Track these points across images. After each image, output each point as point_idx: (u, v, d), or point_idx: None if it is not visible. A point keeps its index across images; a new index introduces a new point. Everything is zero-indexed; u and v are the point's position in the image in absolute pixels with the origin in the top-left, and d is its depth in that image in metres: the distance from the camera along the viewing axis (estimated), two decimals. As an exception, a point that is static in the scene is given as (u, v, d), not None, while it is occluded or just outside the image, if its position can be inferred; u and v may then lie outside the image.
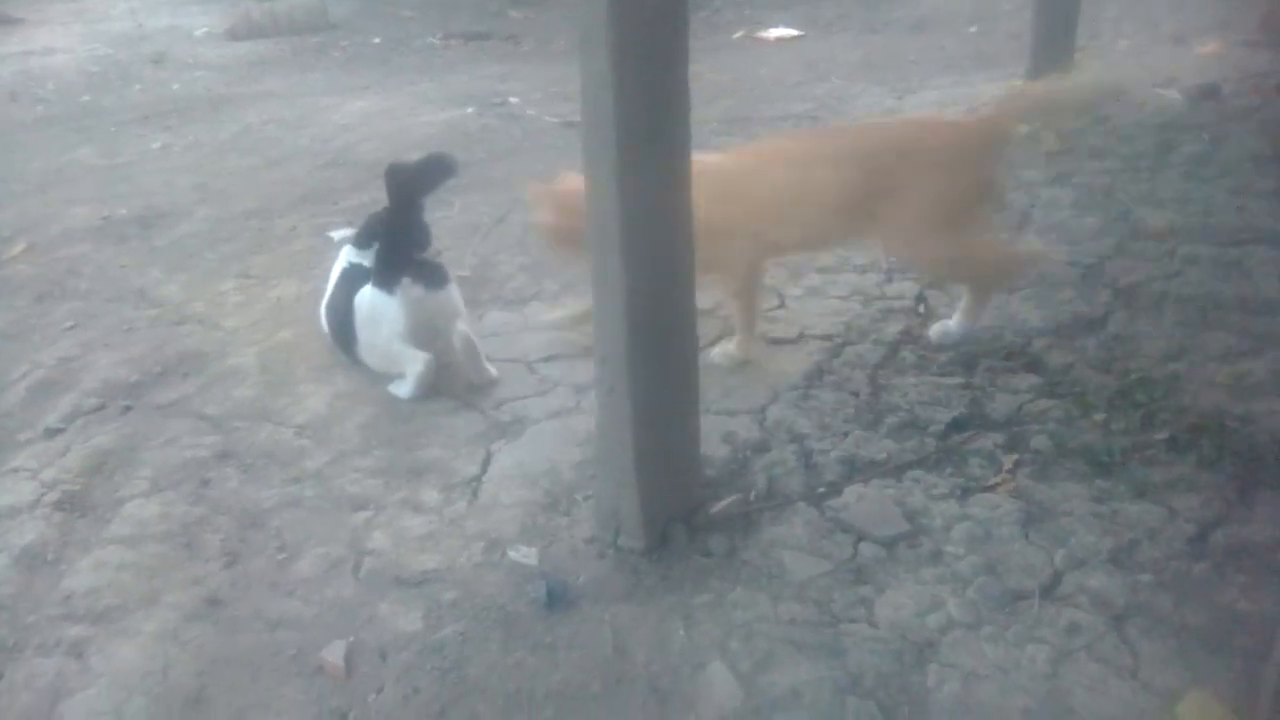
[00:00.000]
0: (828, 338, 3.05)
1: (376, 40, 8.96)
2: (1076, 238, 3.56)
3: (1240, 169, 4.01)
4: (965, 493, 2.30)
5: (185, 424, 2.88)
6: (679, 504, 2.26)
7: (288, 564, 2.29)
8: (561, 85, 6.30)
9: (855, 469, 2.41)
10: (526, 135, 5.50)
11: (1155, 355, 2.77)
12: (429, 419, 2.82)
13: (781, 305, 3.29)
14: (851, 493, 2.33)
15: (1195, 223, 3.57)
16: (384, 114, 6.12)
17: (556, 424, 2.75)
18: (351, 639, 2.05)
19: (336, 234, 4.15)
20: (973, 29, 7.29)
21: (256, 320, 3.50)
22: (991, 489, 2.31)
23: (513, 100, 6.20)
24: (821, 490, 2.35)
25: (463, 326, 2.93)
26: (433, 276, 2.89)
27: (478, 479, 2.53)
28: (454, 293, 2.95)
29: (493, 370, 2.97)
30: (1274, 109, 4.75)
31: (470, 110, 6.05)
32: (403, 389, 2.91)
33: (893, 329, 3.06)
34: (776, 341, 3.06)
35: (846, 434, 2.55)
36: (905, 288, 3.31)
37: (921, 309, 3.18)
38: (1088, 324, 2.99)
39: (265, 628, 2.11)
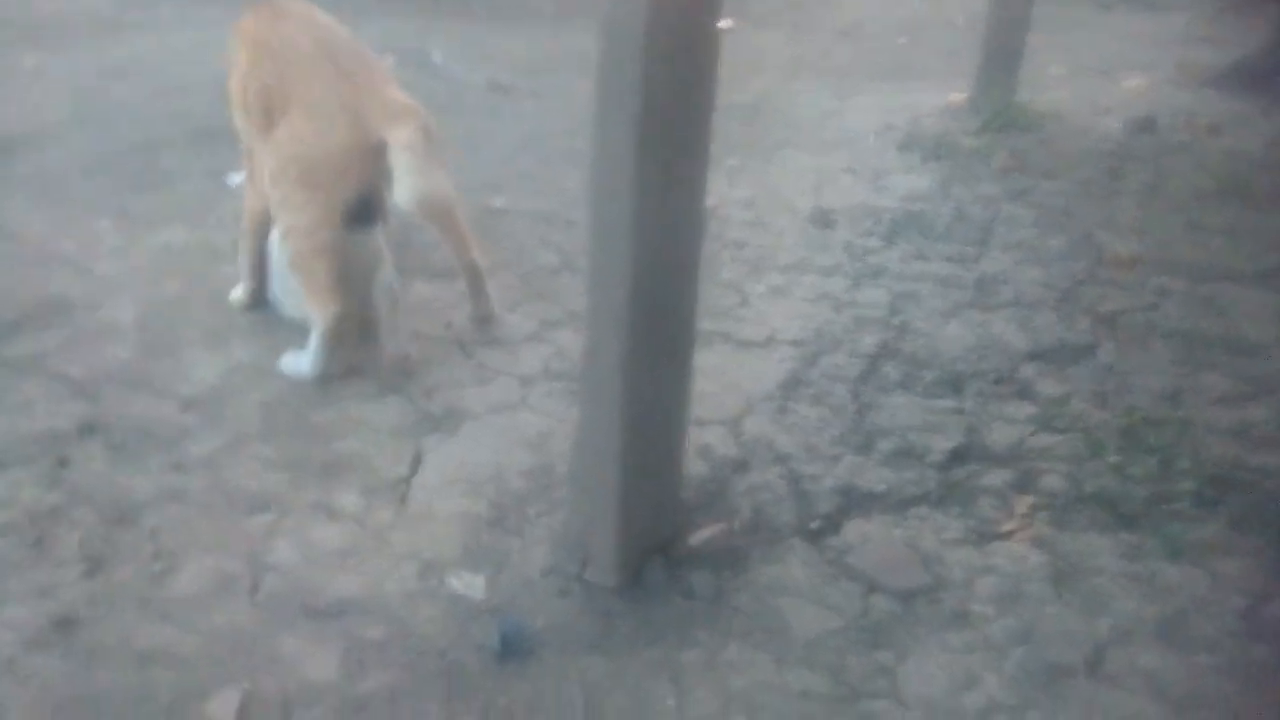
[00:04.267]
0: (799, 343, 2.66)
1: (283, -17, 8.16)
2: (1044, 258, 3.27)
3: (1189, 204, 3.81)
4: (981, 538, 1.94)
5: (41, 386, 2.30)
6: (657, 532, 1.83)
7: (165, 577, 1.76)
8: (484, 45, 5.76)
9: (852, 501, 2.02)
10: (452, 95, 4.94)
11: (1153, 393, 2.47)
12: (345, 404, 2.31)
13: (745, 303, 2.88)
14: (853, 530, 1.94)
15: (1159, 254, 3.32)
16: (291, 58, 5.43)
17: (500, 420, 2.28)
18: (246, 686, 1.55)
19: (235, 178, 3.55)
20: (901, 40, 7.03)
21: (136, 268, 2.90)
22: (1008, 535, 1.96)
23: (436, 56, 5.61)
24: (816, 524, 1.95)
25: (387, 277, 2.43)
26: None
27: (406, 481, 2.05)
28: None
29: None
30: (1207, 147, 4.61)
31: (389, 62, 5.44)
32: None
33: (869, 340, 2.69)
34: (744, 344, 2.65)
35: (837, 458, 2.16)
36: (876, 294, 2.95)
37: (896, 320, 2.82)
38: (1074, 352, 2.68)
39: (133, 662, 1.59)
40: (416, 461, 2.11)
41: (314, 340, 2.37)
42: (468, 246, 2.59)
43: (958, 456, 2.19)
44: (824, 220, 3.45)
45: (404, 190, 2.19)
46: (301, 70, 2.32)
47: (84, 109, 4.33)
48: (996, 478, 2.13)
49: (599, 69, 1.52)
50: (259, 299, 2.66)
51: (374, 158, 2.24)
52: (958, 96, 4.94)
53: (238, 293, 2.70)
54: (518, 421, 2.27)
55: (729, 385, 2.42)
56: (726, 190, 3.75)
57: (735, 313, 2.82)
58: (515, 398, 2.36)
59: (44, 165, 3.67)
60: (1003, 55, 4.92)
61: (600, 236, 1.60)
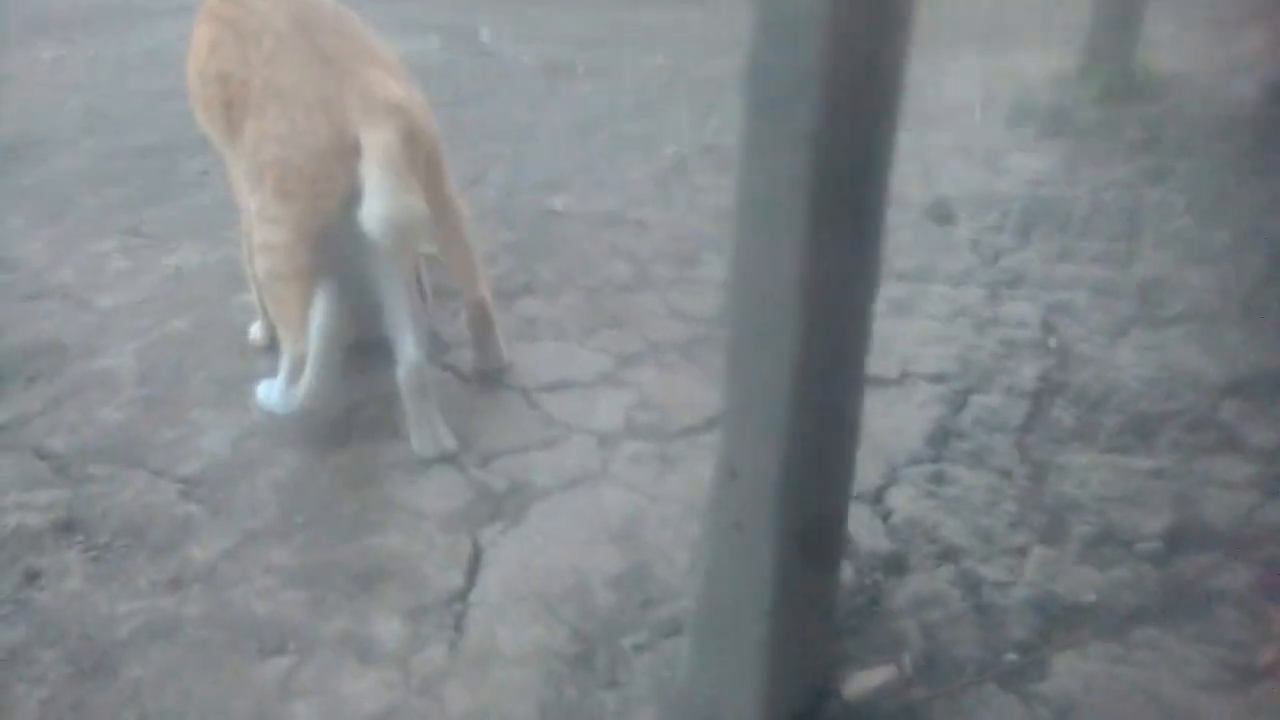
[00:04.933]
0: (940, 379, 2.13)
1: (319, -39, 7.70)
2: (1210, 256, 2.69)
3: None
4: (1237, 676, 1.41)
5: (16, 465, 1.86)
6: (806, 683, 1.33)
7: (146, 760, 1.30)
8: (536, 20, 5.25)
9: (1054, 620, 1.51)
10: (502, 76, 4.43)
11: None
12: (381, 479, 1.83)
13: (862, 326, 2.35)
14: (1064, 669, 1.42)
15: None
16: (326, 41, 4.96)
17: (576, 499, 1.78)
18: None
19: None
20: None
21: (142, 301, 2.45)
22: (1272, 671, 1.43)
23: (484, 34, 5.11)
24: (1012, 658, 1.44)
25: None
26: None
27: (462, 597, 1.56)
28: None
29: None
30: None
31: (433, 42, 4.94)
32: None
33: (1026, 371, 2.15)
34: (872, 381, 2.12)
35: (1022, 551, 1.64)
36: (1022, 309, 2.41)
37: (1053, 343, 2.28)
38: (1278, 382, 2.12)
39: None
40: (474, 564, 1.63)
41: (282, 373, 1.91)
42: (473, 280, 2.05)
43: (1174, 541, 1.66)
44: (943, 214, 2.90)
45: (366, 214, 1.68)
46: (271, 54, 1.82)
47: (99, 106, 3.90)
48: (1233, 575, 1.59)
49: (750, 113, 1.03)
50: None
51: (354, 157, 1.75)
52: (1064, 61, 4.33)
53: (256, 331, 2.24)
54: (599, 500, 1.77)
55: (863, 441, 1.90)
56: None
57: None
58: (594, 464, 1.87)
59: (51, 174, 3.24)
60: (1122, 10, 4.29)
61: (750, 324, 1.10)
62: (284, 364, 1.91)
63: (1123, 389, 2.07)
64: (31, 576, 1.59)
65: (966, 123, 3.77)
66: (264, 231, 1.82)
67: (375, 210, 1.67)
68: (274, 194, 1.77)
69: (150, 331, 2.29)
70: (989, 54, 4.91)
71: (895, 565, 1.61)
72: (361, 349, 2.01)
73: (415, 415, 1.87)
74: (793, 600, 1.19)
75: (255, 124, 1.80)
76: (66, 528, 1.69)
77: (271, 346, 2.20)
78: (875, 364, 2.11)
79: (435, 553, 1.65)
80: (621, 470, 1.86)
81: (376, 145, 1.70)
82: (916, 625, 1.49)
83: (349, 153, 1.72)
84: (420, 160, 1.78)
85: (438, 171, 1.86)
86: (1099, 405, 2.03)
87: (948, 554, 1.63)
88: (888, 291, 2.50)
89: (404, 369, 1.86)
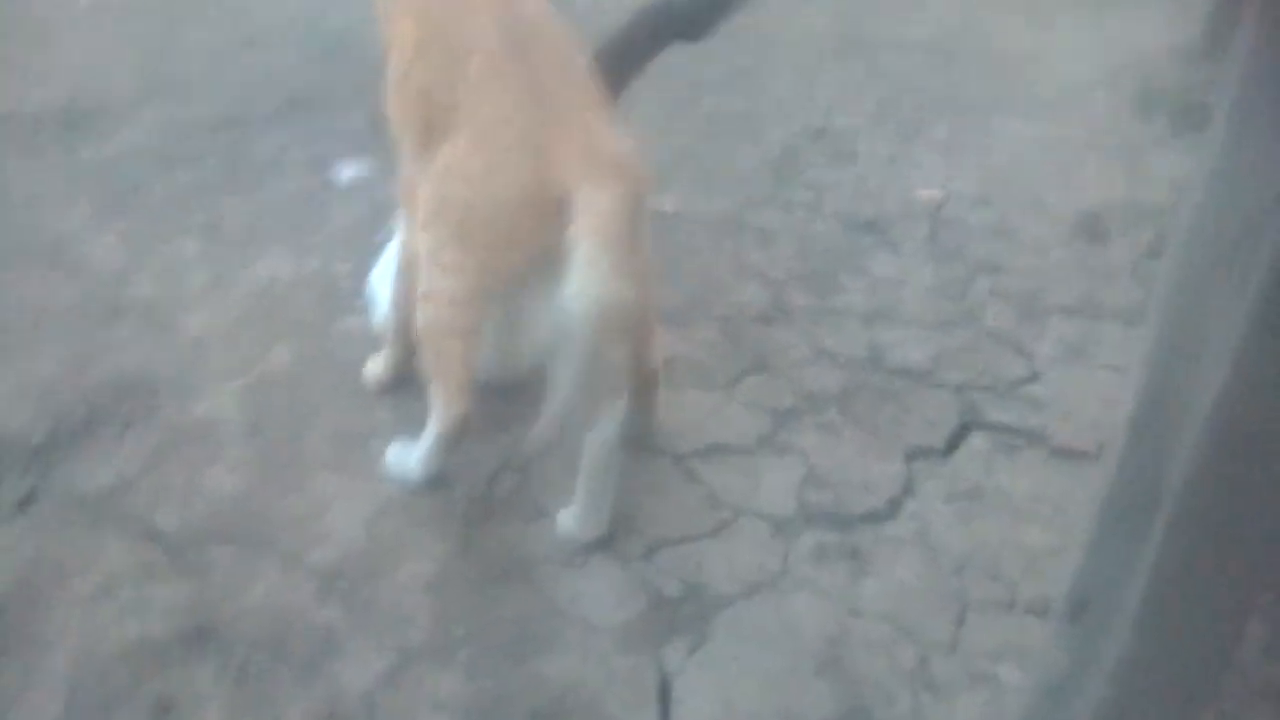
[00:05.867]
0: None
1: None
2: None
3: None
4: None
5: (125, 548, 1.64)
6: None
7: None
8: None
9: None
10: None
11: None
12: (539, 570, 1.62)
13: (1036, 376, 2.12)
14: None
15: None
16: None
17: (762, 608, 1.57)
18: None
19: (344, 171, 2.83)
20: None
21: (235, 321, 2.20)
22: None
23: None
24: None
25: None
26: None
27: (659, 754, 1.37)
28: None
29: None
30: None
31: None
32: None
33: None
34: (1061, 453, 1.90)
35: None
36: (1208, 361, 2.16)
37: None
38: None
39: None
40: (664, 699, 1.43)
41: (427, 440, 1.71)
42: (648, 346, 1.78)
43: None
44: (1094, 230, 2.64)
45: (574, 295, 1.43)
46: (478, 73, 1.57)
47: (153, 67, 3.58)
48: None
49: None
50: (406, 371, 1.94)
51: (560, 215, 1.50)
52: (1189, 29, 3.99)
53: (376, 366, 2.00)
54: (789, 613, 1.56)
55: (1066, 531, 1.68)
56: (946, 176, 2.94)
57: (1027, 392, 2.06)
58: (773, 562, 1.66)
59: (113, 152, 2.96)
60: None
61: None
62: (431, 428, 1.69)
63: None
64: (164, 709, 1.39)
65: (1091, 108, 3.47)
66: (435, 278, 1.58)
67: (587, 292, 1.41)
68: (452, 238, 1.53)
69: (251, 366, 2.05)
70: (1099, 21, 4.55)
71: None
72: (494, 392, 1.78)
73: (588, 495, 1.64)
74: None
75: (449, 154, 1.54)
76: (197, 637, 1.49)
77: (391, 387, 1.97)
78: (1059, 430, 1.90)
79: (617, 683, 1.44)
80: (806, 570, 1.64)
81: (598, 212, 1.44)
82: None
83: (550, 208, 1.46)
84: (642, 234, 1.53)
85: (643, 227, 1.61)
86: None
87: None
88: (1054, 329, 2.26)
89: (597, 442, 1.62)
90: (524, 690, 1.42)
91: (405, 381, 1.91)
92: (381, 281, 2.02)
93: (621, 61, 2.15)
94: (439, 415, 1.68)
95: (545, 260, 1.47)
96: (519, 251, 1.52)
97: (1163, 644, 0.93)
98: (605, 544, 1.67)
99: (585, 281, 1.42)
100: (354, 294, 2.22)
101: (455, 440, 1.70)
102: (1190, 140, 3.17)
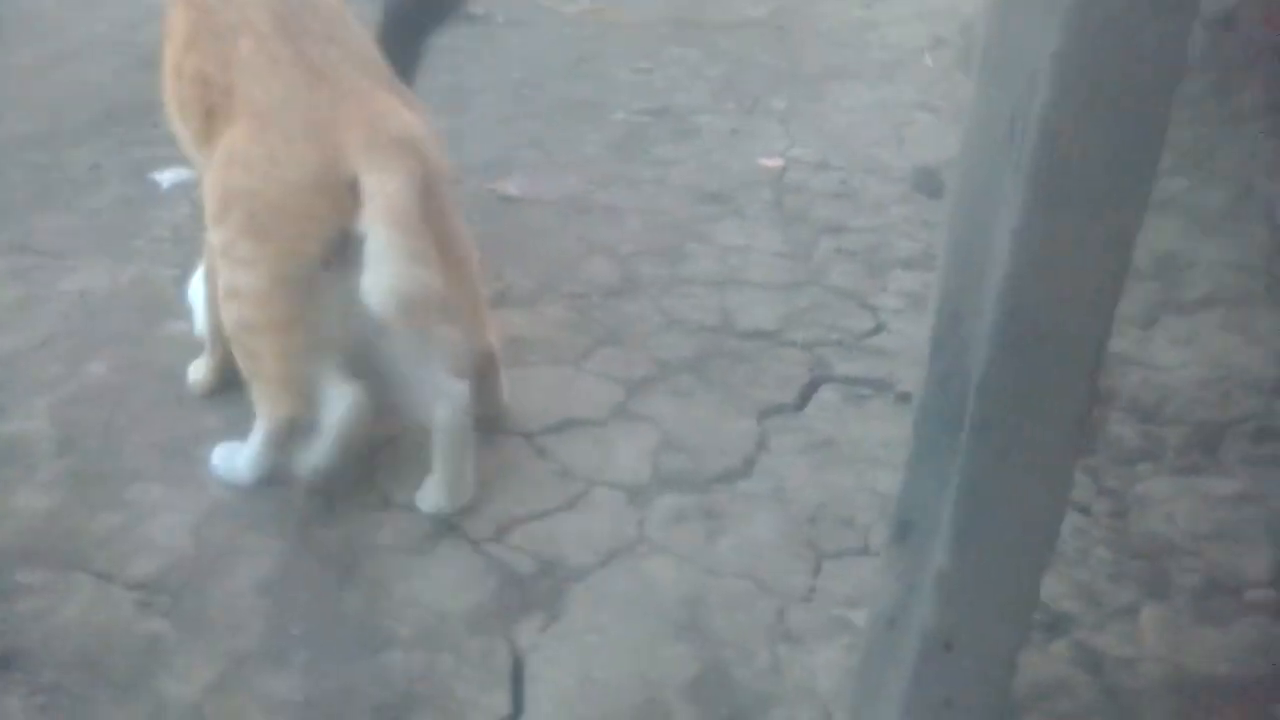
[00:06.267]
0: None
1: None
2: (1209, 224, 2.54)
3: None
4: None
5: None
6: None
7: None
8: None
9: (1193, 700, 1.33)
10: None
11: None
12: (383, 559, 1.54)
13: (882, 327, 2.13)
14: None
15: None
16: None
17: (618, 577, 1.52)
18: None
19: (164, 176, 2.68)
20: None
21: (47, 337, 2.04)
22: None
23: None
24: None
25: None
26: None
27: (513, 728, 1.30)
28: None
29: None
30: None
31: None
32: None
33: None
34: (906, 398, 1.91)
35: (1133, 610, 1.46)
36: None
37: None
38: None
39: None
40: (518, 678, 1.36)
41: (255, 439, 1.61)
42: (480, 326, 1.71)
43: (1284, 584, 1.50)
44: (930, 184, 2.69)
45: (369, 285, 1.37)
46: (252, 57, 1.48)
47: (-48, 82, 3.34)
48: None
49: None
50: (231, 373, 1.82)
51: (352, 197, 1.43)
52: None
53: (199, 371, 1.88)
54: (646, 578, 1.52)
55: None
56: (787, 145, 2.96)
57: (873, 343, 2.08)
58: (628, 529, 1.61)
59: (-93, 173, 2.74)
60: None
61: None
62: (258, 429, 1.59)
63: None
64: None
65: (920, 71, 3.56)
66: (232, 274, 1.49)
67: (380, 282, 1.35)
68: (242, 231, 1.44)
69: (64, 381, 1.90)
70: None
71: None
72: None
73: (447, 466, 1.57)
74: None
75: (229, 143, 1.45)
76: (1, 665, 1.35)
77: (217, 390, 1.85)
78: (906, 374, 1.91)
79: (467, 666, 1.37)
80: (662, 535, 1.60)
81: (385, 196, 1.37)
82: (1047, 724, 1.29)
83: (340, 190, 1.39)
84: (434, 211, 1.46)
85: (444, 206, 1.54)
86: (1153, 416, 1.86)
87: (1057, 624, 1.43)
88: (897, 282, 2.29)
89: (447, 407, 1.54)
90: (367, 685, 1.34)
91: (232, 384, 1.79)
92: (200, 284, 1.91)
93: (399, 41, 2.10)
94: (263, 414, 1.59)
95: (344, 244, 1.40)
96: (314, 238, 1.44)
97: (979, 556, 0.91)
98: (453, 528, 1.60)
99: (379, 272, 1.36)
100: (177, 299, 2.09)
101: (284, 438, 1.60)
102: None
